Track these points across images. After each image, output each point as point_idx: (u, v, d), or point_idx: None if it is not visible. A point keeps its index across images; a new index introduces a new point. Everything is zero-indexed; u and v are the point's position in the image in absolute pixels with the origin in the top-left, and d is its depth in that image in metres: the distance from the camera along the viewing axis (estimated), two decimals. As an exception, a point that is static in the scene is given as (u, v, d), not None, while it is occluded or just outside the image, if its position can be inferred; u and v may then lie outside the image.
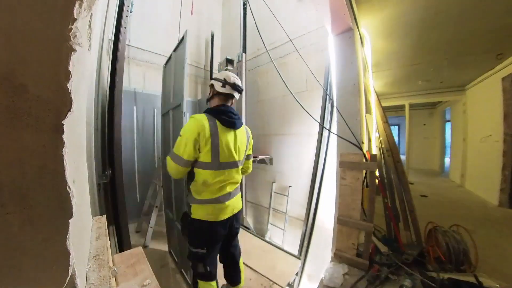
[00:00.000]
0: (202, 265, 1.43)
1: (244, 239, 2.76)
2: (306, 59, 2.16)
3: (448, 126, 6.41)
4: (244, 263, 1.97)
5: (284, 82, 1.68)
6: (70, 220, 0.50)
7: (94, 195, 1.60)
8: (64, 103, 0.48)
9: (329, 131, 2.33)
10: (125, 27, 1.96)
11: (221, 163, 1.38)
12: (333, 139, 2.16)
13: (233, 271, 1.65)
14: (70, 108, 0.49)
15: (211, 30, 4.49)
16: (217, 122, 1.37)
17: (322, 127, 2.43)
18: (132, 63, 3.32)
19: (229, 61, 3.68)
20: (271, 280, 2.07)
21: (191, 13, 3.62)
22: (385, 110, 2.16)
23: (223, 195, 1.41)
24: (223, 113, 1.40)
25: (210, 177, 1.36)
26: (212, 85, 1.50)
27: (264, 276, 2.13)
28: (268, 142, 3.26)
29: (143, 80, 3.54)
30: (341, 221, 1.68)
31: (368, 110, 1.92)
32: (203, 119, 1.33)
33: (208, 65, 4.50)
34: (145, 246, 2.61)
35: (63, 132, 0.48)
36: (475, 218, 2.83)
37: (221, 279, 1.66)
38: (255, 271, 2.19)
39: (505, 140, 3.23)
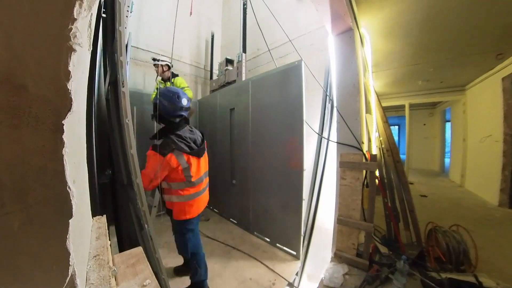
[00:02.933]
0: None
1: (245, 238, 2.78)
2: (306, 59, 2.16)
3: (448, 126, 6.41)
4: (244, 263, 2.12)
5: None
6: (70, 220, 0.49)
7: (94, 195, 1.60)
8: (64, 103, 0.48)
9: (327, 139, 2.34)
10: (125, 27, 1.96)
11: None
12: (333, 139, 2.16)
13: None
14: (70, 108, 0.49)
15: (211, 30, 4.49)
16: None
17: (322, 126, 2.43)
18: (132, 63, 3.32)
19: (229, 61, 3.69)
20: (271, 280, 2.07)
21: (190, 13, 3.62)
22: (385, 110, 2.16)
23: None
24: None
25: None
26: None
27: (264, 276, 2.13)
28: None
29: (143, 80, 3.54)
30: (341, 221, 1.68)
31: (368, 110, 1.92)
32: None
33: (208, 65, 4.50)
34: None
35: (63, 132, 0.48)
36: (475, 218, 2.83)
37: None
38: (255, 270, 2.19)
39: (505, 140, 3.23)
